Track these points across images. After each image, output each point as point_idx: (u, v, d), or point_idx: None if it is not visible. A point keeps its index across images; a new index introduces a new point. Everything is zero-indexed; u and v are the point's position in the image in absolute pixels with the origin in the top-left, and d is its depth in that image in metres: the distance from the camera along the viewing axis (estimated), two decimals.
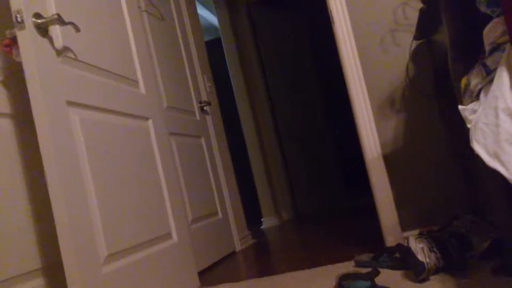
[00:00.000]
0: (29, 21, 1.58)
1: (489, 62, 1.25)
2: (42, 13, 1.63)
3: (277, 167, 4.92)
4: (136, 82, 2.28)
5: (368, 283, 1.57)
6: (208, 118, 3.53)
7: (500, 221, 1.44)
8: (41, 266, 1.78)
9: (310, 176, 5.30)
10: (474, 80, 1.31)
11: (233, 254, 3.30)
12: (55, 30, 1.72)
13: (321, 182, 5.44)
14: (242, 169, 4.83)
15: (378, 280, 1.64)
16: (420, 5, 1.97)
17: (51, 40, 1.68)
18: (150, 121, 2.29)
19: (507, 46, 1.16)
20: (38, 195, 1.83)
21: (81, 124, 1.74)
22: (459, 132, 1.84)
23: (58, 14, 1.63)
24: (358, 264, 2.00)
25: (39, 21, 1.61)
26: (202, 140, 3.31)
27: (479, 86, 1.28)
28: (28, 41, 1.56)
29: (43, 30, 1.63)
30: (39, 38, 1.61)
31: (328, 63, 5.49)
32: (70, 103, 1.70)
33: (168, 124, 2.76)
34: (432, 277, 1.59)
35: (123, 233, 1.83)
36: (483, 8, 1.29)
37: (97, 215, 1.70)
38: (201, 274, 2.64)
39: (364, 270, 1.71)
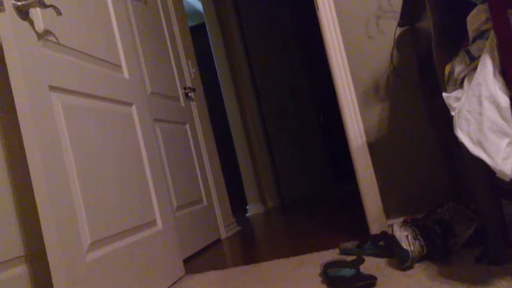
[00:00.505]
0: (9, 3, 1.54)
1: (472, 49, 1.25)
2: None
3: (263, 154, 4.91)
4: (119, 67, 2.25)
5: (352, 271, 1.57)
6: (193, 105, 3.50)
7: (483, 209, 1.44)
8: (24, 253, 1.76)
9: (295, 163, 5.31)
10: (458, 67, 1.30)
11: (218, 241, 3.30)
12: (36, 13, 1.68)
13: (307, 170, 5.45)
14: (227, 156, 4.82)
15: (363, 267, 1.65)
16: None
17: (31, 23, 1.64)
18: (134, 107, 2.27)
19: (491, 33, 1.16)
20: (21, 182, 1.80)
21: (64, 109, 1.71)
22: (444, 119, 1.84)
23: None
24: (343, 252, 2.01)
25: (19, 3, 1.58)
26: (187, 127, 3.29)
27: (463, 74, 1.28)
28: (7, 23, 1.52)
29: (23, 12, 1.60)
30: (19, 20, 1.58)
31: (314, 50, 5.48)
32: (52, 88, 1.67)
33: (152, 110, 2.73)
34: (416, 265, 1.60)
35: (106, 220, 1.81)
36: None
37: (80, 202, 1.68)
38: (186, 261, 2.64)
39: (349, 258, 1.72)
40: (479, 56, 1.19)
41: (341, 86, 2.32)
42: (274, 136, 5.10)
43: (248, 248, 2.89)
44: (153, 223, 2.20)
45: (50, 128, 1.60)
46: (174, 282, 2.22)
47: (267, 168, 4.92)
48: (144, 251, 2.02)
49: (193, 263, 2.65)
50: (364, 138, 2.29)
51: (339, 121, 2.49)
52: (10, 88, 1.52)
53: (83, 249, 1.64)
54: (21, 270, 1.74)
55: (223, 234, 3.43)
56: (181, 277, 2.31)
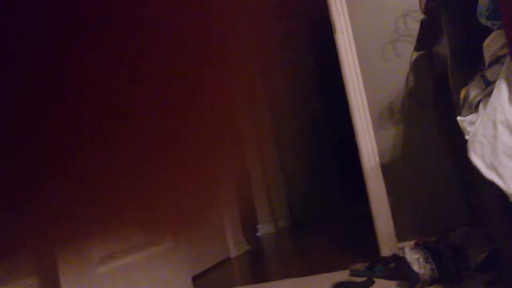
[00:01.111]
0: None
1: (488, 74, 1.26)
2: None
3: (275, 173, 4.92)
4: None
5: None
6: None
7: (496, 234, 1.44)
8: (34, 263, 1.77)
9: (307, 183, 5.30)
10: (473, 92, 1.31)
11: (228, 260, 3.29)
12: None
13: (318, 190, 5.44)
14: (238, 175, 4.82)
15: None
16: (422, 16, 1.98)
17: None
18: None
19: (507, 59, 1.17)
20: None
21: None
22: (458, 143, 1.84)
23: None
24: (353, 273, 2.00)
25: None
26: None
27: (478, 98, 1.29)
28: None
29: None
30: None
31: (329, 71, 5.51)
32: None
33: None
34: None
35: (118, 234, 1.82)
36: (483, 21, 1.30)
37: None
38: (195, 278, 2.64)
39: (359, 280, 1.71)
40: (495, 81, 1.19)
41: (356, 107, 2.33)
42: (286, 156, 5.10)
43: (258, 267, 2.88)
44: (163, 239, 2.21)
45: None
46: None
47: (278, 188, 4.92)
48: (154, 266, 2.03)
49: (202, 280, 2.65)
50: (377, 160, 2.30)
51: (352, 142, 2.50)
52: None
53: (95, 261, 1.65)
54: (31, 280, 1.75)
55: (233, 252, 3.42)
56: None
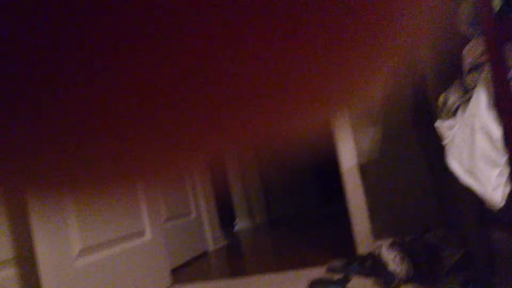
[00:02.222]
0: None
1: (467, 80, 1.29)
2: None
3: (252, 169, 4.93)
4: None
5: None
6: None
7: (471, 236, 1.47)
8: (13, 256, 1.76)
9: (284, 180, 5.33)
10: (452, 97, 1.34)
11: (205, 254, 3.31)
12: None
13: (296, 186, 5.47)
14: (217, 170, 4.83)
15: (349, 287, 1.67)
16: None
17: None
18: None
19: (486, 66, 1.20)
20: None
21: None
22: (435, 146, 1.88)
23: None
24: (330, 270, 2.02)
25: None
26: None
27: (457, 104, 1.32)
28: None
29: None
30: None
31: None
32: None
33: None
34: (401, 287, 1.63)
35: (97, 227, 1.82)
36: (463, 28, 1.33)
37: (72, 206, 1.69)
38: (174, 272, 2.64)
39: (336, 277, 1.74)
40: (474, 88, 1.23)
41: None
42: (264, 151, 5.12)
43: (235, 261, 2.89)
44: (142, 233, 2.21)
45: None
46: None
47: (256, 183, 4.94)
48: (132, 260, 2.03)
49: (181, 273, 2.65)
50: (355, 160, 2.33)
51: (331, 141, 2.52)
52: None
53: (73, 255, 1.65)
54: (9, 273, 1.74)
55: (211, 246, 3.43)
56: (168, 287, 2.31)
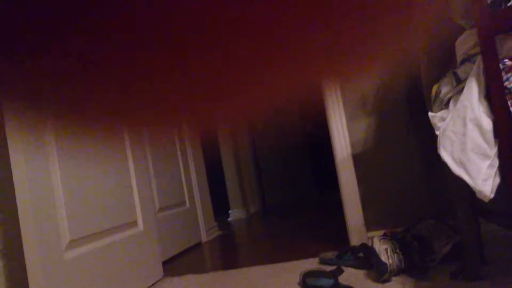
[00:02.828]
0: None
1: (460, 72, 1.28)
2: None
3: (247, 160, 4.93)
4: None
5: (331, 281, 1.60)
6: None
7: (461, 226, 1.48)
8: (0, 248, 1.75)
9: (280, 170, 5.33)
10: (444, 88, 1.34)
11: (199, 245, 3.31)
12: None
13: (290, 177, 5.48)
14: (212, 160, 4.83)
15: (342, 278, 1.67)
16: None
17: None
18: None
19: (478, 57, 1.19)
20: None
21: None
22: (428, 137, 1.88)
23: None
24: (323, 261, 2.03)
25: None
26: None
27: (449, 95, 1.32)
28: None
29: None
30: None
31: None
32: None
33: None
34: (394, 278, 1.63)
35: (87, 218, 1.81)
36: (457, 19, 1.32)
37: (61, 198, 1.67)
38: (166, 263, 2.64)
39: (328, 268, 1.74)
40: (466, 79, 1.22)
41: (330, 97, 2.35)
42: (259, 142, 5.12)
43: (229, 252, 2.90)
44: (134, 223, 2.20)
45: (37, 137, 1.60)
46: (153, 284, 2.23)
47: (251, 173, 4.94)
48: (123, 251, 2.03)
49: (173, 265, 2.65)
50: (349, 150, 2.32)
51: (325, 131, 2.52)
52: None
53: (62, 246, 1.64)
54: None
55: (204, 237, 3.43)
56: (159, 280, 2.31)
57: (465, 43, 1.28)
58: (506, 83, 1.09)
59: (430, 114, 1.39)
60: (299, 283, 1.77)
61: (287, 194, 5.39)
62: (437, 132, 1.33)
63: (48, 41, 0.19)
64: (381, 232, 2.14)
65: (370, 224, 2.30)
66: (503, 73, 1.10)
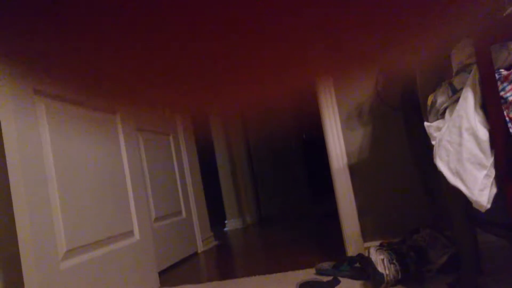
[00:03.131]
0: None
1: (455, 81, 1.28)
2: None
3: (243, 169, 4.92)
4: None
5: None
6: (178, 116, 3.51)
7: (458, 237, 1.47)
8: None
9: (276, 181, 5.32)
10: (440, 98, 1.34)
11: (195, 255, 3.29)
12: None
13: (286, 188, 5.47)
14: (208, 170, 4.82)
15: None
16: None
17: None
18: (117, 115, 2.27)
19: (474, 67, 1.19)
20: None
21: (47, 114, 1.70)
22: (423, 147, 1.88)
23: None
24: (319, 272, 2.02)
25: None
26: (170, 138, 3.29)
27: (445, 105, 1.31)
28: None
29: None
30: None
31: None
32: (37, 91, 1.66)
33: (136, 119, 2.73)
34: None
35: (84, 228, 1.80)
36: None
37: (58, 208, 1.67)
38: (162, 273, 2.62)
39: (325, 279, 1.73)
40: (462, 89, 1.22)
41: (326, 107, 2.35)
42: (255, 152, 5.12)
43: (225, 263, 2.88)
44: (130, 233, 2.19)
45: (32, 131, 1.59)
46: None
47: (247, 183, 4.93)
48: (120, 261, 2.01)
49: (169, 275, 2.64)
50: (345, 160, 2.32)
51: (321, 141, 2.51)
52: None
53: (59, 256, 1.63)
54: None
55: (200, 247, 3.42)
56: None
57: (461, 53, 1.28)
58: (502, 93, 1.09)
59: (426, 124, 1.39)
60: None
61: (283, 204, 5.38)
62: (433, 142, 1.33)
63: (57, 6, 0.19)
64: (377, 243, 2.13)
65: (366, 234, 2.29)
66: (498, 83, 1.10)
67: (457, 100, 1.23)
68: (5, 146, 1.50)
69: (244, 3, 0.18)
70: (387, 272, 1.59)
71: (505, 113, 1.07)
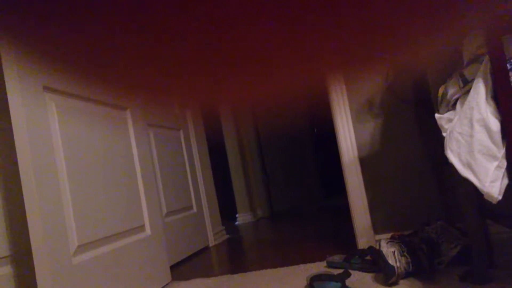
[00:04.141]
0: None
1: (466, 72, 1.27)
2: None
3: (255, 163, 4.93)
4: None
5: (338, 285, 1.59)
6: (188, 111, 3.52)
7: (469, 229, 1.46)
8: (9, 254, 1.75)
9: (287, 174, 5.32)
10: (451, 89, 1.33)
11: (206, 249, 3.30)
12: None
13: (297, 181, 5.47)
14: (219, 164, 4.83)
15: (349, 282, 1.66)
16: None
17: None
18: (128, 111, 2.27)
19: (485, 58, 1.18)
20: (9, 180, 1.80)
21: (57, 110, 1.71)
22: (435, 139, 1.87)
23: None
24: (330, 265, 2.02)
25: None
26: (181, 133, 3.30)
27: (456, 96, 1.31)
28: None
29: None
30: None
31: None
32: (46, 88, 1.67)
33: (146, 115, 2.74)
34: (401, 281, 1.62)
35: (95, 224, 1.81)
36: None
37: (69, 204, 1.68)
38: (173, 268, 2.64)
39: (336, 272, 1.73)
40: (473, 80, 1.21)
41: (336, 100, 2.35)
42: (266, 146, 5.12)
43: (236, 256, 2.89)
44: (141, 228, 2.20)
45: (43, 129, 1.60)
46: None
47: (258, 177, 4.93)
48: (131, 256, 2.03)
49: (180, 269, 2.65)
50: (356, 153, 2.31)
51: (332, 134, 2.51)
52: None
53: (70, 251, 1.64)
54: (5, 270, 1.73)
55: (212, 241, 3.43)
56: (167, 284, 2.30)
57: (472, 44, 1.27)
58: None
59: (436, 115, 1.38)
60: (306, 287, 1.76)
61: (294, 197, 5.38)
62: (444, 134, 1.32)
63: None
64: (388, 235, 2.13)
65: (377, 227, 2.28)
66: (510, 73, 1.09)
67: (468, 91, 1.22)
68: (16, 141, 1.51)
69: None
70: (398, 264, 1.59)
71: None
